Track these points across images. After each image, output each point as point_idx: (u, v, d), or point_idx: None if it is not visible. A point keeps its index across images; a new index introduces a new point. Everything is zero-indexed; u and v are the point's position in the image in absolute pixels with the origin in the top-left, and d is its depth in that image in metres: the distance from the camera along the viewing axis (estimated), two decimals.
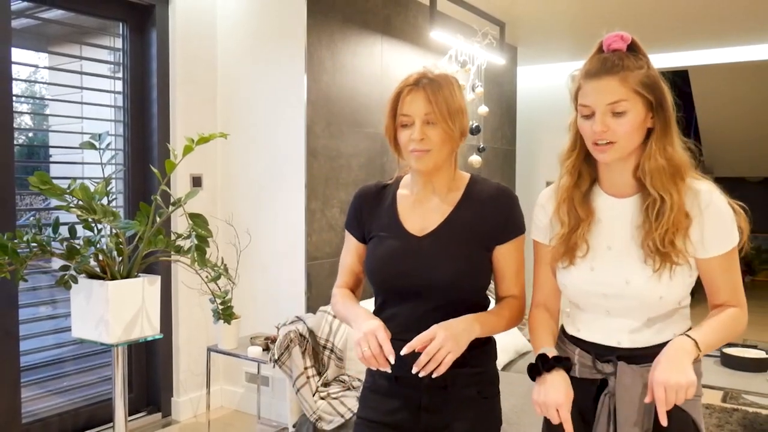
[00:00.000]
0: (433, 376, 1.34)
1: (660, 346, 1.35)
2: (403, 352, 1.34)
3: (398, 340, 1.48)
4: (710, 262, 1.38)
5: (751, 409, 3.63)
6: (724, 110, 7.45)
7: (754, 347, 3.29)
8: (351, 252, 1.67)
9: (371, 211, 1.62)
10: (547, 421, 1.42)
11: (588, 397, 1.42)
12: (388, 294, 1.57)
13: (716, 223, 1.35)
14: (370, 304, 1.65)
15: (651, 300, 1.36)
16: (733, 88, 7.04)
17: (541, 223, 1.53)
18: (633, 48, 1.35)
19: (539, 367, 1.37)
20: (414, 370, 1.33)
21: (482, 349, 1.53)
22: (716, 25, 4.84)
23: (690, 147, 1.41)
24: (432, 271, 1.49)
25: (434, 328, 1.37)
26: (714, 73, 6.78)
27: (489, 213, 1.53)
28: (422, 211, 1.56)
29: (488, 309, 1.57)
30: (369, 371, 1.62)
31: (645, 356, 1.37)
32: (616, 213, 1.40)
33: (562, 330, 1.53)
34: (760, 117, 7.13)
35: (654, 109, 1.32)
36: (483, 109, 4.22)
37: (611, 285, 1.38)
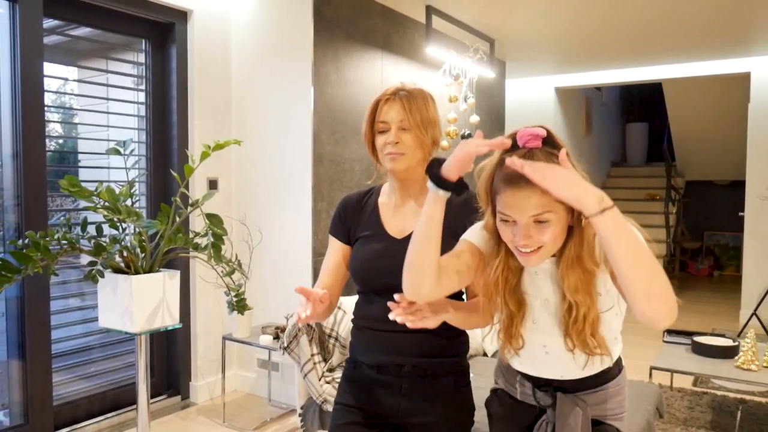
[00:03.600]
0: (408, 324, 1.27)
1: (599, 376, 1.32)
2: (390, 306, 1.30)
3: (378, 330, 1.52)
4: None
5: (719, 393, 3.63)
6: (695, 119, 7.46)
7: (722, 336, 3.29)
8: (335, 253, 1.63)
9: (354, 217, 1.62)
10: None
11: (527, 419, 1.37)
12: (370, 291, 1.56)
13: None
14: (352, 301, 1.64)
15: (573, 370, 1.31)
16: (702, 99, 7.05)
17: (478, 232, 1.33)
18: (548, 141, 1.17)
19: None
20: (390, 316, 1.27)
21: (458, 340, 1.53)
22: (687, 42, 4.85)
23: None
24: None
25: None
26: (685, 86, 6.79)
27: (460, 214, 1.46)
28: (401, 215, 1.56)
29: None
30: (349, 361, 1.61)
31: (584, 386, 1.32)
32: (546, 267, 1.26)
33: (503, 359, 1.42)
34: (726, 125, 7.14)
35: (574, 210, 1.14)
36: (474, 118, 4.22)
37: (550, 337, 1.28)
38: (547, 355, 1.30)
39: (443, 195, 1.19)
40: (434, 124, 1.53)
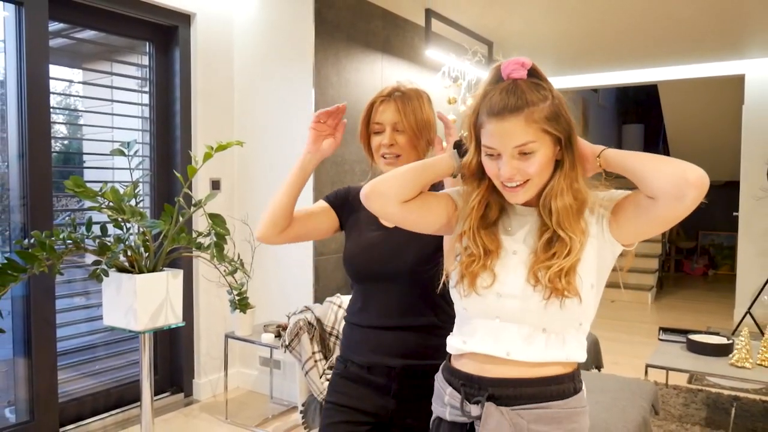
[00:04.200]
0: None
1: (546, 382, 1.13)
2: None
3: (367, 328, 1.50)
4: (621, 205, 1.12)
5: (714, 390, 3.63)
6: (690, 121, 7.46)
7: (717, 334, 3.29)
8: (317, 206, 1.60)
9: (355, 204, 1.57)
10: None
11: None
12: (363, 280, 1.54)
13: (608, 195, 1.14)
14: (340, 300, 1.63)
15: (548, 310, 1.11)
16: (697, 101, 7.05)
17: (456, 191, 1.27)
18: (533, 74, 1.12)
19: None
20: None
21: (444, 342, 1.48)
22: (683, 45, 4.85)
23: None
24: (401, 257, 1.47)
25: None
26: (680, 88, 6.79)
27: None
28: None
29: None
30: (339, 359, 1.57)
31: (521, 397, 1.12)
32: (524, 220, 1.18)
33: (447, 359, 1.26)
34: (721, 127, 7.14)
35: (562, 143, 1.10)
36: None
37: (510, 286, 1.13)
38: (497, 319, 1.15)
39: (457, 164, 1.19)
40: (429, 125, 1.51)
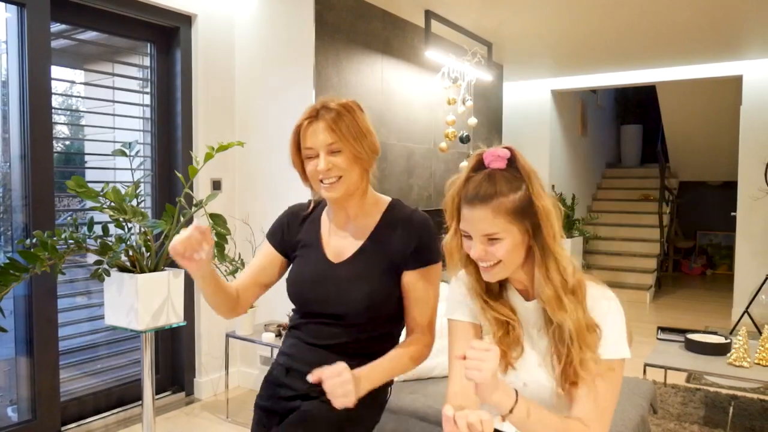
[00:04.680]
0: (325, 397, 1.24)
1: None
2: (309, 379, 1.24)
3: (311, 345, 1.44)
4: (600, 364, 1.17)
5: (711, 389, 3.63)
6: (688, 121, 7.46)
7: (715, 333, 3.29)
8: (263, 256, 1.52)
9: (297, 230, 1.51)
10: None
11: None
12: (305, 313, 1.48)
13: (612, 332, 1.19)
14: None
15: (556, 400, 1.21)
16: (695, 102, 7.05)
17: (459, 296, 1.31)
18: (512, 163, 1.19)
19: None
20: (310, 379, 1.24)
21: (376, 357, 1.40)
22: (681, 46, 4.85)
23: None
24: (345, 298, 1.38)
25: (342, 366, 1.24)
26: (679, 88, 6.79)
27: (399, 238, 1.39)
28: (339, 237, 1.45)
29: (396, 341, 1.44)
30: (273, 363, 1.56)
31: None
32: (527, 314, 1.25)
33: None
34: (719, 127, 7.14)
35: (530, 232, 1.17)
36: (472, 121, 4.22)
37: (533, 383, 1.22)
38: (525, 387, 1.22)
39: None
40: (367, 134, 1.39)
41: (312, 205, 1.57)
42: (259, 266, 1.52)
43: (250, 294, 1.51)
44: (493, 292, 1.26)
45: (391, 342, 1.45)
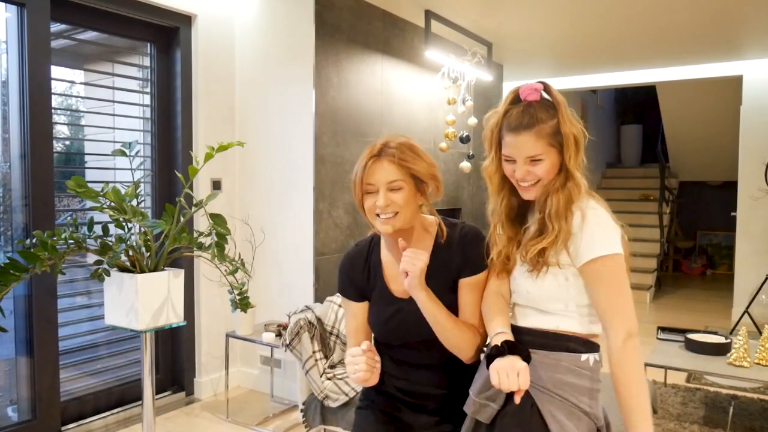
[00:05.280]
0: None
1: (554, 336, 1.38)
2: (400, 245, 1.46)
3: (396, 363, 1.56)
4: (584, 269, 1.34)
5: (711, 389, 3.63)
6: (688, 121, 7.46)
7: (715, 333, 3.29)
8: (354, 315, 1.60)
9: (360, 278, 1.59)
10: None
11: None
12: (389, 345, 1.58)
13: (588, 234, 1.33)
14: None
15: (526, 294, 1.41)
16: (695, 102, 7.05)
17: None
18: (546, 93, 1.38)
19: (504, 351, 1.32)
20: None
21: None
22: (681, 47, 4.85)
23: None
24: (420, 331, 1.48)
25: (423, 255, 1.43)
26: (678, 89, 6.79)
27: (455, 256, 1.50)
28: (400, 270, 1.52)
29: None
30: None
31: (539, 341, 1.39)
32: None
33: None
34: (719, 127, 7.13)
35: (564, 151, 1.36)
36: (472, 121, 4.22)
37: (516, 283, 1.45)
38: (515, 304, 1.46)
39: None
40: (430, 170, 1.47)
41: (366, 245, 1.63)
42: (358, 326, 1.61)
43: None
44: (510, 218, 1.47)
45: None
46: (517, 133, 1.34)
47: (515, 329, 1.41)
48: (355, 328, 1.60)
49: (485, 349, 1.43)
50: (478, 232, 1.54)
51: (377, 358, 1.49)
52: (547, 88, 1.38)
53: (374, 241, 1.61)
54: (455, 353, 1.47)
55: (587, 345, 1.38)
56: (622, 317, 1.30)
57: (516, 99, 1.39)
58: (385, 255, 1.58)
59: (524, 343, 1.37)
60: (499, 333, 1.37)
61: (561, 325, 1.38)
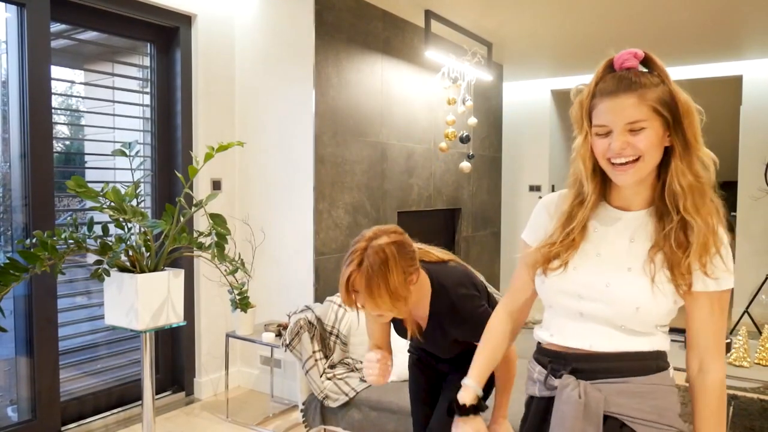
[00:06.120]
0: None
1: (626, 358, 1.17)
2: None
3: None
4: (709, 295, 1.15)
5: None
6: None
7: None
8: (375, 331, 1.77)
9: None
10: None
11: (541, 415, 1.26)
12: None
13: (727, 257, 1.15)
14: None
15: (627, 308, 1.15)
16: (695, 101, 7.02)
17: (536, 224, 1.31)
18: (647, 63, 1.17)
19: (455, 411, 1.32)
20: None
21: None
22: (680, 46, 4.85)
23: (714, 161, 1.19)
24: (447, 350, 1.72)
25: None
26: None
27: (449, 324, 1.63)
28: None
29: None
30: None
31: (601, 371, 1.17)
32: (617, 224, 1.21)
33: (538, 344, 1.32)
34: (719, 126, 7.11)
35: (671, 127, 1.13)
36: (472, 121, 4.22)
37: (590, 286, 1.18)
38: (581, 317, 1.20)
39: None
40: (402, 289, 1.45)
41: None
42: (376, 328, 1.75)
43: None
44: (584, 214, 1.21)
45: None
46: (614, 96, 1.11)
47: (585, 357, 1.18)
48: (372, 330, 1.74)
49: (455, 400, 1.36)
50: (468, 300, 1.62)
51: (390, 362, 1.67)
52: (649, 56, 1.16)
53: None
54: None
55: (662, 356, 1.24)
56: (723, 351, 1.20)
57: (610, 67, 1.17)
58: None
59: (603, 371, 1.17)
60: (470, 385, 1.33)
61: (654, 345, 1.21)
